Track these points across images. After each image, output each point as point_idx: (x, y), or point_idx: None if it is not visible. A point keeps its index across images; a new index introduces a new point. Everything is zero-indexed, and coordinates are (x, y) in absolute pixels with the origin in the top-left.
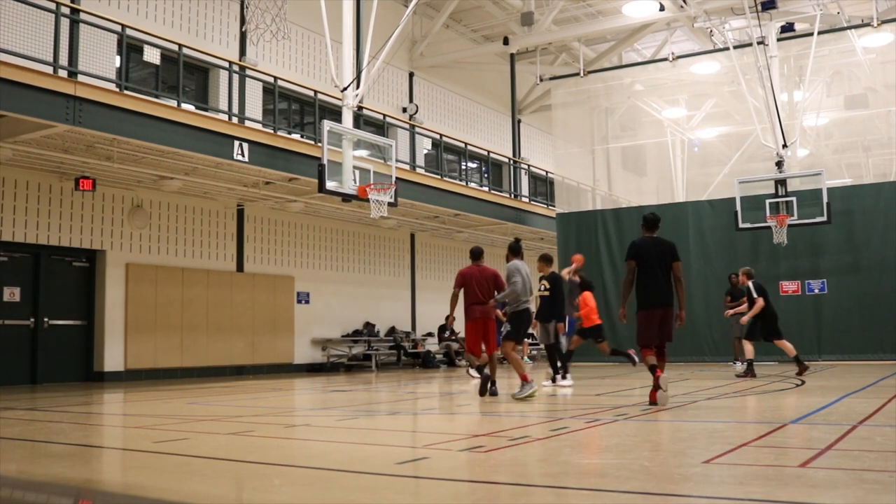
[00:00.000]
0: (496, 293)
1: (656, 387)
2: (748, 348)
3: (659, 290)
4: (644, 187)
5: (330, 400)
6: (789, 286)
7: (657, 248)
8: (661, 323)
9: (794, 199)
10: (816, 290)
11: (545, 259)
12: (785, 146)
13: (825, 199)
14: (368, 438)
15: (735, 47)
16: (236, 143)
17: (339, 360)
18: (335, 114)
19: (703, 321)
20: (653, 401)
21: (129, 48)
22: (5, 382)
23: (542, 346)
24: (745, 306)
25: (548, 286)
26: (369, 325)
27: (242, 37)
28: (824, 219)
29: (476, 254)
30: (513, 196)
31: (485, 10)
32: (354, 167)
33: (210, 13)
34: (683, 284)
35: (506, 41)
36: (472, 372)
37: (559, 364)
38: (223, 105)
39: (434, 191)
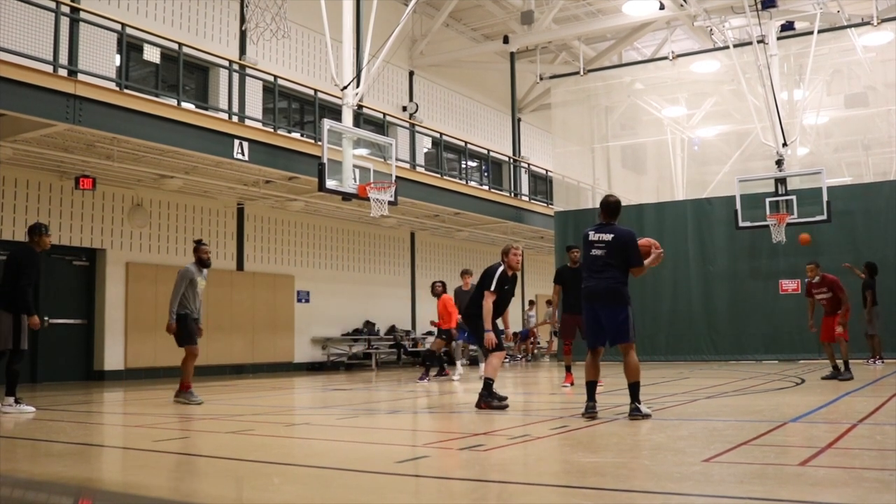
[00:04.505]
0: None
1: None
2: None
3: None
4: (644, 186)
5: (330, 399)
6: (789, 285)
7: None
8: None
9: (794, 197)
10: None
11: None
12: (785, 145)
13: (825, 198)
14: (368, 437)
15: (735, 46)
16: (236, 141)
17: (339, 359)
18: (335, 112)
19: (703, 320)
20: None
21: (129, 47)
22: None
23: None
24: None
25: None
26: (369, 324)
27: (242, 36)
28: (824, 217)
29: None
30: (513, 195)
31: (485, 9)
32: (354, 166)
33: (210, 12)
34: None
35: (506, 40)
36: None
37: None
38: (223, 104)
39: (434, 189)
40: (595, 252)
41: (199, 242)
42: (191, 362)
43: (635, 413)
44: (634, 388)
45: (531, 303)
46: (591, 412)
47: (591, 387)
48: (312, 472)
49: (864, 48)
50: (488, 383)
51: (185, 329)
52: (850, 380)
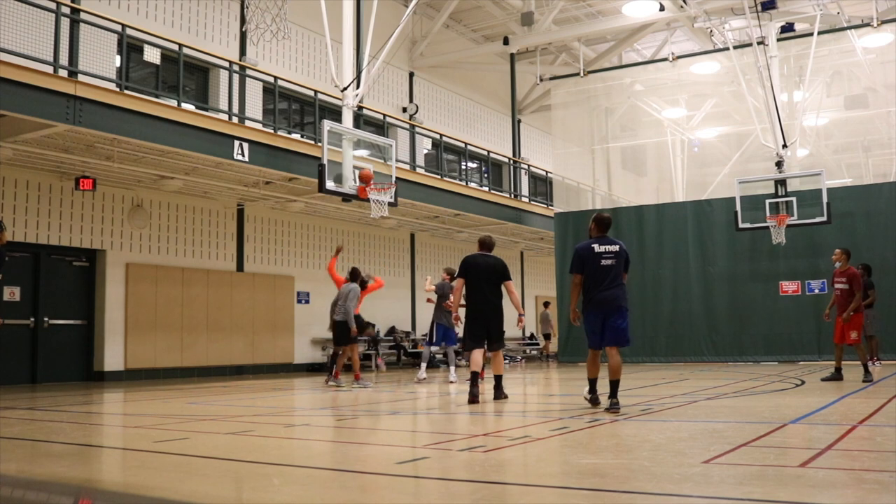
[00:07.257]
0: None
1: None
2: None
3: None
4: (644, 187)
5: (330, 400)
6: (789, 286)
7: None
8: None
9: (793, 199)
10: (816, 291)
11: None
12: (785, 146)
13: (825, 200)
14: (368, 438)
15: (735, 47)
16: (236, 142)
17: None
18: (335, 114)
19: (703, 322)
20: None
21: (130, 48)
22: (5, 382)
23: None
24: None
25: None
26: (369, 325)
27: (242, 36)
28: (824, 219)
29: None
30: (513, 196)
31: (485, 10)
32: (354, 167)
33: (210, 13)
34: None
35: (506, 41)
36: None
37: None
38: (223, 105)
39: (434, 191)
40: (606, 262)
41: (358, 270)
42: (351, 356)
43: (615, 407)
44: (617, 385)
45: (546, 303)
46: (598, 402)
47: (595, 382)
48: (312, 473)
49: (863, 50)
50: (475, 375)
51: (350, 332)
52: (871, 382)
